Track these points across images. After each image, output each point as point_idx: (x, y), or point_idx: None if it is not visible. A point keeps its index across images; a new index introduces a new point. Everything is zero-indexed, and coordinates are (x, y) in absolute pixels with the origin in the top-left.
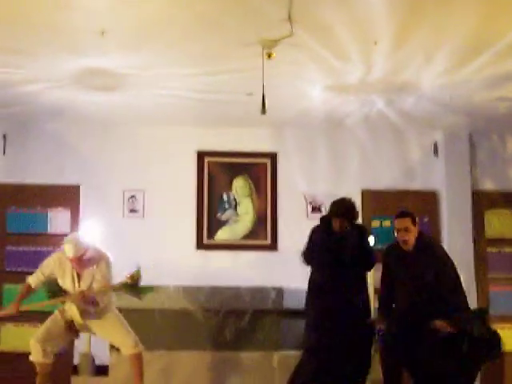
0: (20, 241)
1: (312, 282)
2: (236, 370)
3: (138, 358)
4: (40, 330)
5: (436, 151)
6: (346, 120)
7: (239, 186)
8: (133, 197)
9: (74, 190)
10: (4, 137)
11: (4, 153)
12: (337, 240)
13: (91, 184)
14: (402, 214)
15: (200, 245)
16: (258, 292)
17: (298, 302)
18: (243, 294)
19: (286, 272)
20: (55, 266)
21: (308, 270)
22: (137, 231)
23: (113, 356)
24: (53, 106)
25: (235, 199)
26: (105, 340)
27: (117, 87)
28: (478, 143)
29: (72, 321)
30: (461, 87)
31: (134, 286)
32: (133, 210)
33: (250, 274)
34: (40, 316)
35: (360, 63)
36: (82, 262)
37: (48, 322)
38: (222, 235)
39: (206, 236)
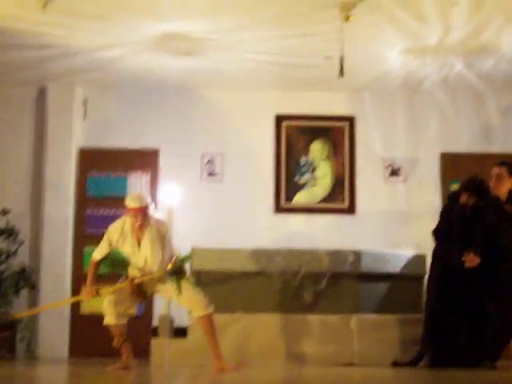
0: (100, 204)
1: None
2: (314, 332)
3: (209, 320)
4: (110, 293)
5: None
6: (424, 83)
7: (317, 149)
8: (211, 160)
9: (153, 153)
10: (85, 102)
11: (85, 117)
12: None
13: (170, 148)
14: (500, 163)
15: (278, 208)
16: (336, 255)
17: (376, 265)
18: (321, 256)
19: (364, 235)
20: (116, 235)
21: (384, 233)
22: (215, 195)
23: (192, 318)
24: (132, 70)
25: (313, 163)
26: (176, 302)
27: (195, 52)
28: None
29: (140, 287)
30: None
31: (175, 271)
32: (211, 174)
33: (328, 238)
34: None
35: (438, 25)
36: (144, 219)
37: (117, 286)
38: (299, 199)
39: (284, 199)
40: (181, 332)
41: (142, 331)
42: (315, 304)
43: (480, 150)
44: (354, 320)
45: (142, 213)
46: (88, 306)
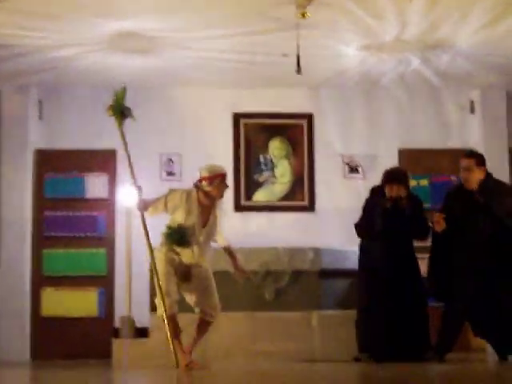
0: (58, 206)
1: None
2: (275, 330)
3: (209, 326)
4: (164, 284)
5: (472, 109)
6: (381, 79)
7: (276, 147)
8: (170, 160)
9: (110, 154)
10: (40, 102)
11: (40, 118)
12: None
13: (128, 148)
14: (467, 154)
15: (238, 206)
16: (296, 252)
17: (336, 261)
18: (281, 254)
19: (324, 232)
20: (182, 201)
21: (344, 230)
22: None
23: (153, 318)
24: (87, 70)
25: (272, 161)
26: (194, 296)
27: (151, 50)
28: None
29: (187, 266)
30: (497, 44)
31: (118, 107)
32: (170, 173)
33: (288, 235)
34: (79, 280)
35: (395, 21)
36: (220, 187)
37: (165, 274)
38: (259, 197)
39: (244, 198)
40: (142, 332)
41: (102, 332)
42: (276, 301)
43: (438, 145)
44: (315, 316)
45: (213, 185)
46: (48, 308)
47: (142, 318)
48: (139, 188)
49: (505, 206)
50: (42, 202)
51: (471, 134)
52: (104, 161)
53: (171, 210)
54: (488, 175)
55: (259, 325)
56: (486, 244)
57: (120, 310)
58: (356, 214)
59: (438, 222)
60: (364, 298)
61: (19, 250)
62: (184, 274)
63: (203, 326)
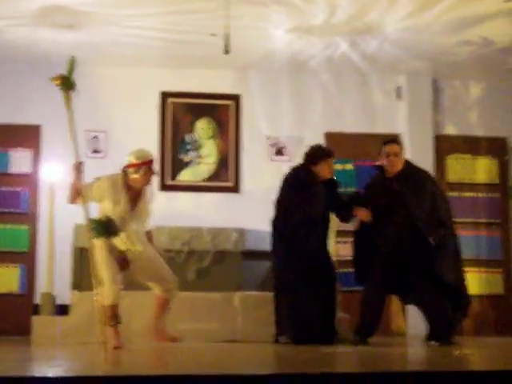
0: None
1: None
2: (197, 310)
3: (168, 303)
4: (107, 272)
5: (399, 95)
6: (309, 62)
7: (202, 127)
8: (95, 137)
9: (34, 129)
10: None
11: None
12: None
13: (52, 124)
14: (394, 141)
15: (163, 186)
16: (220, 233)
17: (259, 243)
18: (205, 234)
19: (248, 214)
20: (108, 190)
21: (269, 211)
22: (99, 171)
23: (74, 295)
24: (13, 44)
25: (198, 141)
26: (144, 277)
27: (77, 25)
28: (441, 88)
29: (124, 253)
30: (424, 31)
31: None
32: (95, 151)
33: (213, 216)
34: (1, 256)
35: (324, 4)
36: (147, 174)
37: (106, 261)
38: (184, 176)
39: (170, 177)
40: (63, 310)
41: (22, 309)
42: (199, 282)
43: (363, 130)
44: (237, 297)
45: (147, 168)
46: None
47: (63, 295)
48: (81, 164)
49: (421, 208)
50: None
51: (397, 119)
52: (28, 136)
53: (98, 199)
54: (406, 163)
55: (181, 305)
56: (402, 230)
57: (41, 287)
58: None
59: (362, 215)
60: (288, 281)
61: None
62: (120, 262)
63: (163, 304)
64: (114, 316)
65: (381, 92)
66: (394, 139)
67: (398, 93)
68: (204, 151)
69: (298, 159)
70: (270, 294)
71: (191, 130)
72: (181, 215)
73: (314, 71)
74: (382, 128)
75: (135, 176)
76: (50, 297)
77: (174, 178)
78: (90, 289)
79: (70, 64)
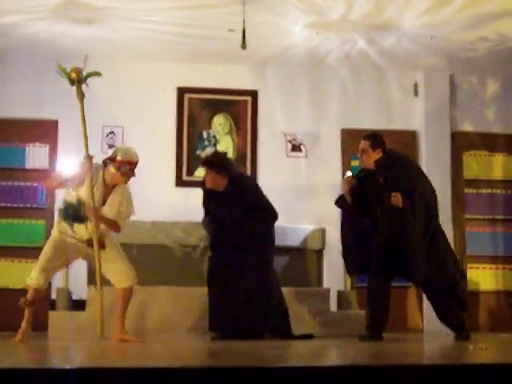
0: None
1: None
2: None
3: (130, 291)
4: (41, 259)
5: (416, 92)
6: (327, 59)
7: (219, 123)
8: (112, 132)
9: (52, 125)
10: None
11: None
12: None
13: (70, 119)
14: (364, 136)
15: (179, 182)
16: None
17: (276, 238)
18: None
19: None
20: (90, 174)
21: (285, 207)
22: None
23: (90, 290)
24: (31, 38)
25: (215, 136)
26: (102, 270)
27: (95, 20)
28: (459, 84)
29: (87, 242)
30: (442, 27)
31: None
32: (112, 146)
33: None
34: (18, 251)
35: (341, 0)
36: (128, 174)
37: (46, 251)
38: (201, 173)
39: (186, 173)
40: (79, 305)
41: (39, 304)
42: None
43: (380, 126)
44: None
45: (130, 169)
46: None
47: (79, 290)
48: (90, 158)
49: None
50: None
51: (414, 116)
52: (46, 131)
53: (76, 185)
54: (385, 154)
55: (197, 300)
56: (392, 223)
57: (57, 282)
58: (297, 192)
59: (347, 183)
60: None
61: None
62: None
63: (120, 297)
64: (30, 301)
65: (398, 88)
66: (367, 134)
67: (416, 89)
68: (221, 147)
69: (314, 155)
70: (286, 290)
71: (208, 125)
72: (197, 211)
73: (331, 67)
74: (398, 124)
75: (113, 172)
76: (65, 292)
77: (190, 173)
78: (106, 284)
79: (84, 62)
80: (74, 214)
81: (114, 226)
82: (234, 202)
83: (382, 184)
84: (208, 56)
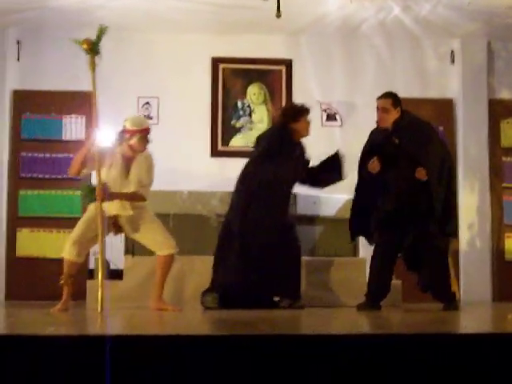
0: (34, 147)
1: None
2: None
3: (170, 259)
4: (74, 232)
5: (453, 59)
6: (361, 27)
7: (254, 92)
8: (147, 103)
9: (88, 96)
10: (18, 43)
11: (18, 59)
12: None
13: (106, 90)
14: (384, 95)
15: (214, 152)
16: None
17: (310, 207)
18: None
19: None
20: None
21: None
22: (152, 138)
23: (127, 260)
24: (66, 10)
25: (250, 106)
26: (142, 240)
27: None
28: (496, 51)
29: (115, 217)
30: None
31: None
32: (148, 117)
33: None
34: (55, 222)
35: None
36: (142, 141)
37: (80, 224)
38: (236, 142)
39: (221, 143)
40: (117, 274)
41: (77, 273)
42: None
43: (416, 95)
44: None
45: (142, 137)
46: (24, 249)
47: (117, 260)
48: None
49: (432, 162)
50: (18, 143)
51: (451, 84)
52: (82, 102)
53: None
54: (403, 114)
55: None
56: (405, 187)
57: (95, 252)
58: None
59: (373, 165)
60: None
61: None
62: (113, 225)
63: (161, 264)
64: (66, 274)
65: (434, 56)
66: (386, 92)
67: (452, 57)
68: (256, 117)
69: (349, 124)
70: (322, 259)
71: (243, 95)
72: (232, 181)
73: (365, 35)
74: (434, 93)
75: (130, 142)
76: (104, 261)
77: (225, 143)
78: (143, 253)
79: (99, 31)
80: (92, 195)
81: (135, 197)
82: None
83: (398, 145)
84: (242, 26)
